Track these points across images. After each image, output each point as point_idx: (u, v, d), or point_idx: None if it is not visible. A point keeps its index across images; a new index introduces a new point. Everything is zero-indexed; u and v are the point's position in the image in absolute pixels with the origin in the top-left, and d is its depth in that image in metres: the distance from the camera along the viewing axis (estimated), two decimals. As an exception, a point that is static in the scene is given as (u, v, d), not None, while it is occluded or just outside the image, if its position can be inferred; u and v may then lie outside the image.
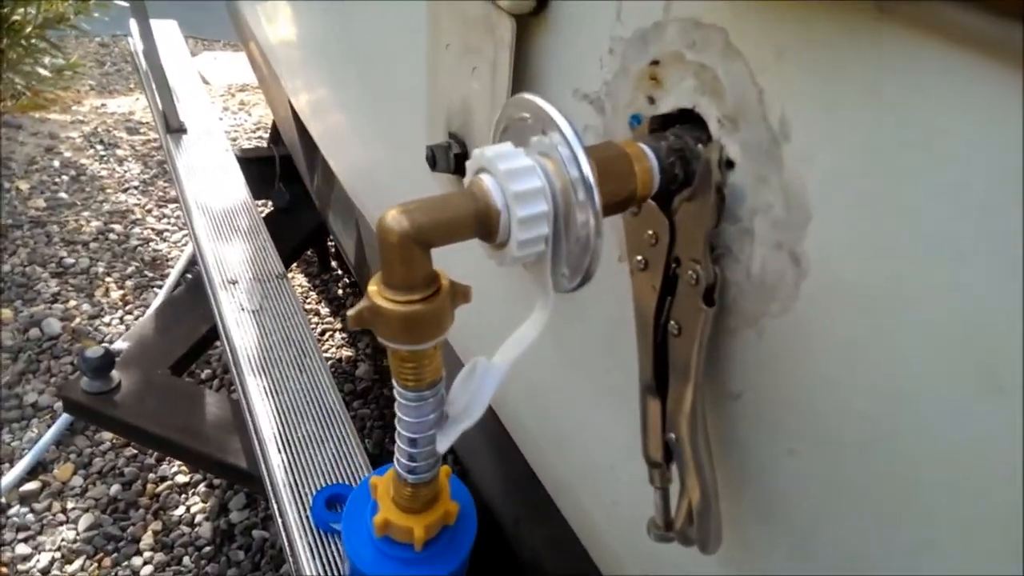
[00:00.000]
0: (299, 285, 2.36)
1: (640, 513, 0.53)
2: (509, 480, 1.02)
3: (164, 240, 2.51)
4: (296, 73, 1.45)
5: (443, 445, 0.41)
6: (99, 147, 2.93)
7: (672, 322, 0.46)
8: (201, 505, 1.79)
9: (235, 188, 1.72)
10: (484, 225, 0.36)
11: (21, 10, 2.80)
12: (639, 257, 0.47)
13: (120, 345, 1.57)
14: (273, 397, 1.26)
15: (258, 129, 3.17)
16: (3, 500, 1.69)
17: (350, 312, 0.37)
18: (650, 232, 0.45)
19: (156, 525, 1.73)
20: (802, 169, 0.37)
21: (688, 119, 0.42)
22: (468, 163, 0.38)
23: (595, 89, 0.49)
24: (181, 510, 1.77)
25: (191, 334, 1.61)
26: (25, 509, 1.70)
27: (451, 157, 0.60)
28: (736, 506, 0.48)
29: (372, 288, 0.37)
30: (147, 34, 1.76)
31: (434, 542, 0.48)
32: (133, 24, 1.88)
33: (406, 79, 0.80)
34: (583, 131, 0.51)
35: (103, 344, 1.65)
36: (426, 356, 0.39)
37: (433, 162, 0.61)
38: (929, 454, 0.35)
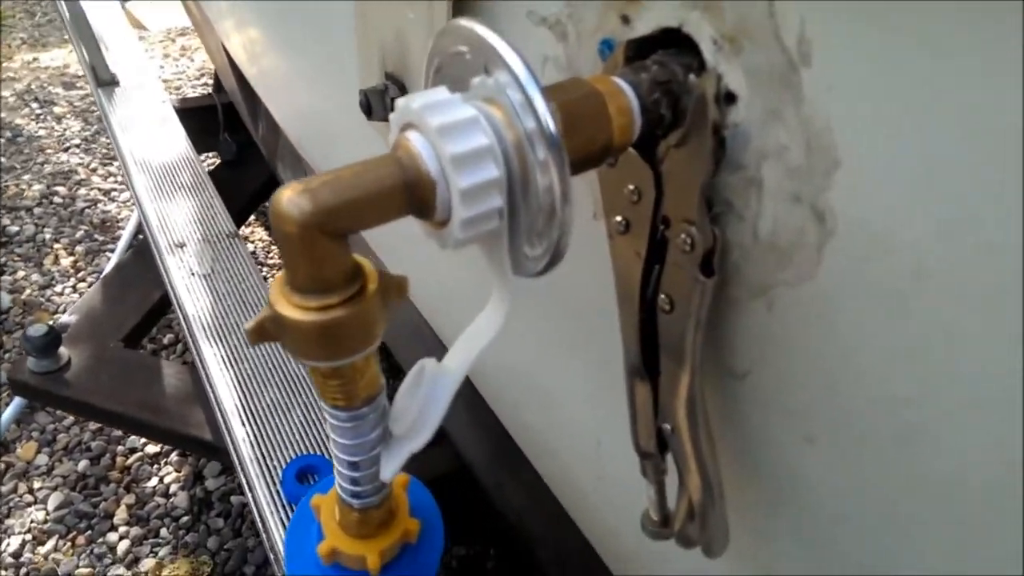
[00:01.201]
0: (260, 240, 2.24)
1: (631, 490, 0.46)
2: (489, 441, 0.96)
3: (113, 200, 2.37)
4: (224, 13, 1.31)
5: (388, 472, 0.33)
6: (34, 105, 2.73)
7: (662, 296, 0.38)
8: (175, 475, 1.73)
9: (175, 142, 1.59)
10: (415, 200, 0.27)
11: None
12: (618, 217, 0.38)
13: (67, 319, 1.47)
14: (233, 366, 1.18)
15: (202, 76, 2.97)
16: (-35, 486, 1.61)
17: (248, 325, 0.28)
18: (631, 187, 0.36)
19: (129, 499, 1.68)
20: (827, 101, 0.28)
21: (674, 42, 0.33)
22: (391, 116, 0.29)
23: (554, 10, 0.39)
24: (154, 481, 1.71)
25: (143, 302, 1.51)
26: (-11, 493, 1.63)
27: (388, 102, 0.51)
28: (744, 501, 0.41)
29: (274, 292, 0.28)
30: (63, -24, 1.59)
31: (395, 563, 0.41)
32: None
33: (341, 8, 0.69)
34: (542, 65, 0.41)
35: (45, 321, 1.55)
36: (355, 370, 0.30)
37: (368, 109, 0.51)
38: (979, 451, 0.28)
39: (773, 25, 0.28)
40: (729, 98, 0.31)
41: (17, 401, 1.74)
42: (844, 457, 0.35)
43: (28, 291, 2.02)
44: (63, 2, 1.67)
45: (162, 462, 1.73)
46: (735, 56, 0.30)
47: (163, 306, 1.55)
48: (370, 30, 0.53)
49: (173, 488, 1.69)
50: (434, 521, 0.43)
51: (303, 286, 0.28)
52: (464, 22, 0.28)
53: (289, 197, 0.26)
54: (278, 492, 1.00)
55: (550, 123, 0.26)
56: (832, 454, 0.36)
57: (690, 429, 0.40)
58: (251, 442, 1.10)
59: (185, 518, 1.62)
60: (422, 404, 0.32)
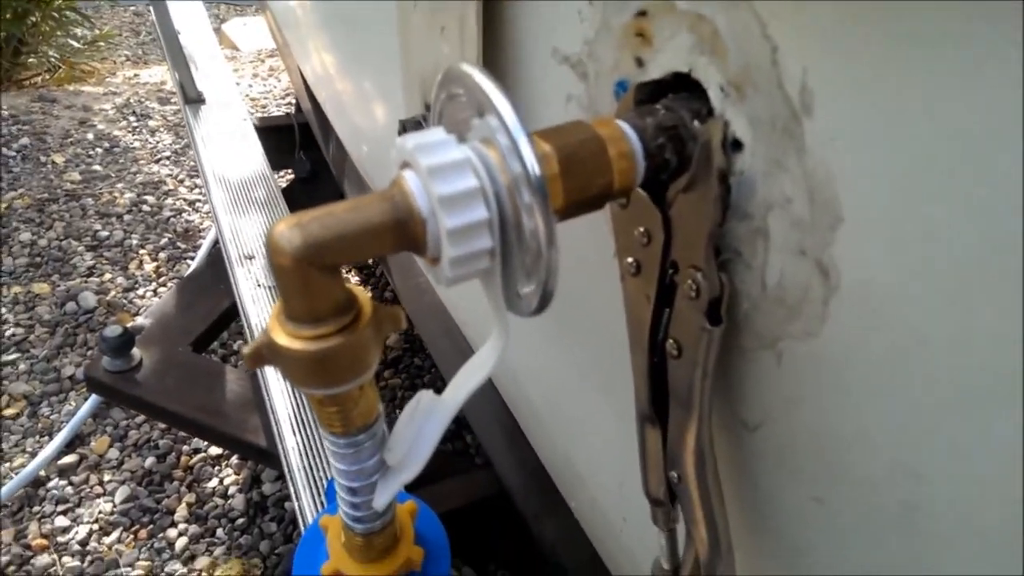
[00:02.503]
0: (329, 254, 2.31)
1: (652, 535, 0.45)
2: (528, 471, 0.96)
3: (196, 211, 2.50)
4: (301, 38, 1.37)
5: (381, 500, 0.34)
6: (132, 118, 2.92)
7: (671, 340, 0.37)
8: (234, 477, 1.78)
9: (253, 158, 1.67)
10: (407, 237, 0.28)
11: (50, -19, 2.78)
12: (630, 259, 0.38)
13: (142, 322, 1.55)
14: (290, 377, 1.21)
15: (287, 95, 3.11)
16: (42, 473, 1.71)
17: (245, 350, 0.29)
18: (641, 229, 0.36)
19: (190, 497, 1.74)
20: (829, 153, 0.27)
21: (685, 86, 0.33)
22: (392, 155, 0.29)
23: (576, 50, 0.39)
24: (215, 482, 1.77)
25: (212, 310, 1.57)
26: (64, 482, 1.72)
27: (425, 133, 0.52)
28: (751, 559, 0.40)
29: (271, 320, 0.29)
30: (160, 4, 1.70)
31: (397, 591, 0.41)
32: (148, -9, 1.82)
33: (394, 39, 0.71)
34: (565, 103, 0.41)
35: (126, 323, 1.64)
36: (350, 398, 0.31)
37: (406, 139, 0.53)
38: (994, 531, 0.26)
39: (776, 73, 0.28)
40: (736, 145, 0.31)
41: (94, 397, 1.84)
42: (852, 522, 0.33)
43: (113, 293, 2.14)
44: (158, 23, 1.78)
45: (223, 464, 1.80)
46: (741, 102, 0.30)
47: (231, 314, 1.61)
48: (412, 62, 0.55)
49: (232, 490, 1.75)
50: (440, 551, 0.43)
51: (297, 316, 0.28)
52: (463, 66, 0.28)
53: (281, 231, 0.27)
54: (322, 503, 1.02)
55: (535, 167, 0.26)
56: (840, 518, 0.34)
57: (698, 479, 0.38)
58: (300, 451, 1.13)
59: (241, 520, 1.67)
60: (415, 436, 0.33)
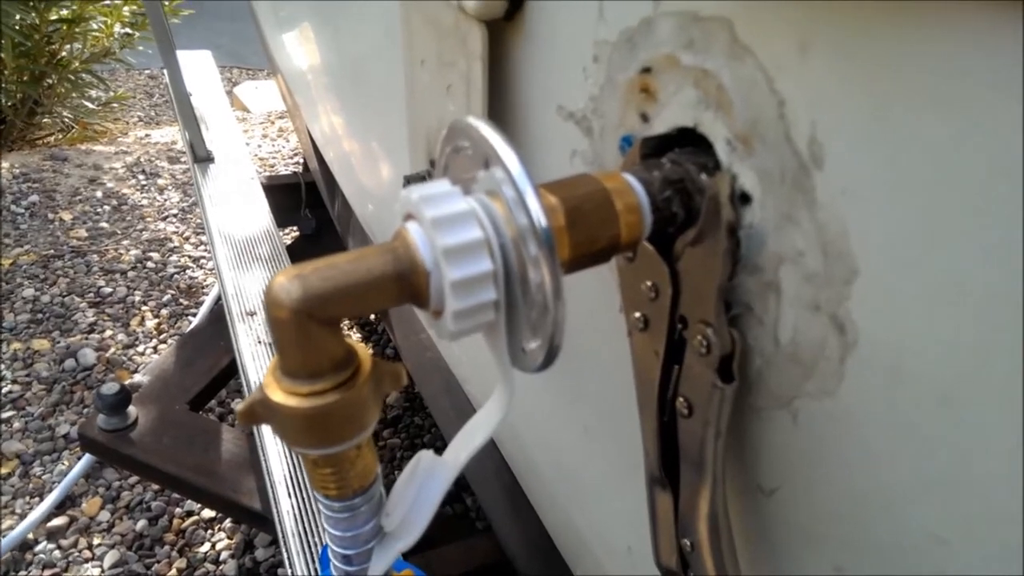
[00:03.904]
0: (331, 312, 2.30)
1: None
2: (530, 536, 0.93)
3: (200, 268, 2.51)
4: (310, 101, 1.40)
5: (377, 569, 0.32)
6: (140, 176, 2.96)
7: (681, 398, 0.36)
8: (227, 542, 1.73)
9: (259, 216, 1.68)
10: (409, 290, 0.27)
11: (68, 46, 2.86)
12: (637, 314, 0.37)
13: (140, 379, 1.54)
14: (287, 437, 1.19)
15: (295, 155, 3.17)
16: (31, 536, 1.66)
17: (239, 407, 0.28)
18: (648, 283, 0.35)
19: (181, 563, 1.69)
20: (841, 205, 0.26)
21: (691, 140, 0.33)
22: (395, 207, 0.29)
23: (580, 106, 0.39)
24: (206, 547, 1.72)
25: (212, 368, 1.56)
26: (52, 545, 1.68)
27: (429, 189, 0.52)
28: (770, 632, 0.38)
29: (267, 376, 0.28)
30: (172, 65, 1.74)
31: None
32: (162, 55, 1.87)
33: (397, 103, 0.72)
34: (570, 158, 0.41)
35: (124, 380, 1.62)
36: (346, 459, 0.30)
37: (410, 195, 0.53)
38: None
39: (783, 126, 0.27)
40: (744, 199, 0.30)
41: (87, 457, 1.80)
42: (877, 595, 0.31)
43: (113, 350, 2.12)
44: (171, 84, 1.82)
45: (216, 528, 1.75)
46: (748, 156, 0.29)
47: (231, 372, 1.60)
48: (418, 119, 0.55)
49: (224, 555, 1.70)
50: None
51: (293, 371, 0.27)
52: (469, 119, 0.28)
53: (280, 283, 0.26)
54: (316, 570, 0.99)
55: (542, 219, 0.25)
56: (864, 590, 0.32)
57: (711, 547, 0.37)
58: (295, 515, 1.10)
59: (231, 587, 1.62)
60: (414, 499, 0.31)
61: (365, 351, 0.29)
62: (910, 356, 0.26)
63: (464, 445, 0.31)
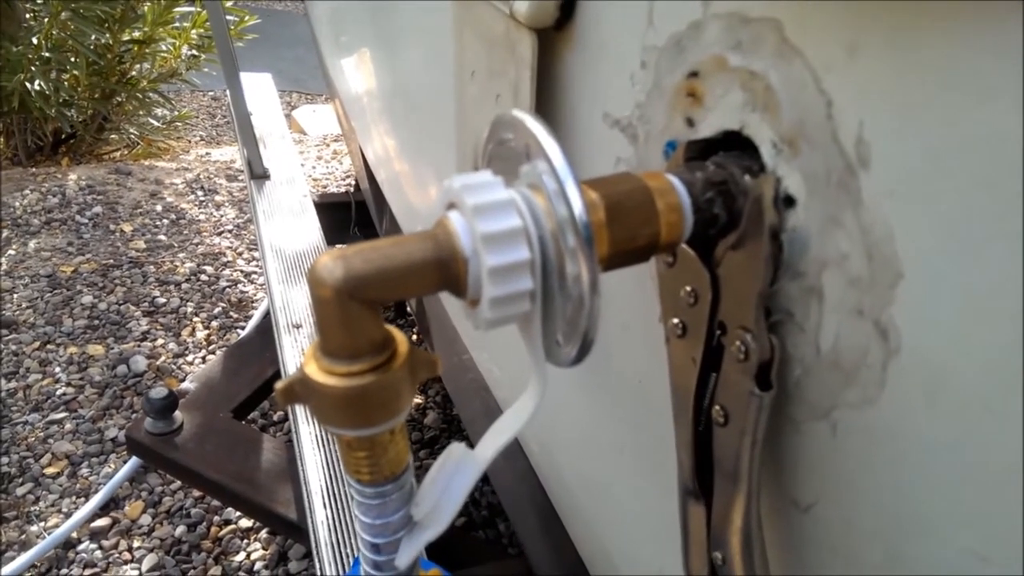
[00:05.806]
0: (374, 330, 2.33)
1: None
2: (562, 562, 0.92)
3: (252, 282, 2.57)
4: (365, 124, 1.45)
5: (405, 558, 0.32)
6: (199, 193, 3.07)
7: (717, 407, 0.35)
8: (261, 552, 1.75)
9: (309, 232, 1.72)
10: (448, 276, 0.28)
11: (138, 66, 3.00)
12: (675, 320, 0.37)
13: (187, 385, 1.58)
14: (325, 447, 1.21)
15: (348, 176, 3.24)
16: (74, 535, 1.71)
17: (278, 384, 0.29)
18: (688, 289, 0.35)
19: (216, 570, 1.71)
20: (888, 207, 0.26)
21: (736, 144, 0.33)
22: (437, 195, 0.30)
23: (626, 113, 0.40)
24: (241, 556, 1.74)
25: (256, 378, 1.59)
26: (94, 545, 1.71)
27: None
28: (804, 656, 0.36)
29: (307, 355, 0.29)
30: (235, 86, 1.81)
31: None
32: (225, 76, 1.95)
33: (445, 124, 0.74)
34: (614, 165, 0.42)
35: (167, 386, 1.67)
36: (380, 443, 0.30)
37: (455, 202, 0.53)
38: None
39: (831, 127, 0.27)
40: (788, 202, 0.30)
41: (133, 461, 1.85)
42: (919, 618, 0.30)
43: (163, 358, 2.19)
44: (232, 103, 1.90)
45: (252, 537, 1.76)
46: (794, 158, 0.29)
47: (275, 382, 1.62)
48: (466, 130, 0.56)
49: (258, 566, 1.71)
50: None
51: (332, 350, 0.28)
52: (514, 112, 0.29)
53: (325, 263, 0.27)
54: (348, 583, 0.99)
55: (581, 211, 0.26)
56: (905, 613, 0.31)
57: (744, 562, 0.36)
58: (330, 526, 1.10)
59: (264, 598, 1.63)
60: (443, 490, 0.31)
61: (403, 337, 0.30)
62: (955, 362, 0.25)
63: (495, 439, 0.32)
